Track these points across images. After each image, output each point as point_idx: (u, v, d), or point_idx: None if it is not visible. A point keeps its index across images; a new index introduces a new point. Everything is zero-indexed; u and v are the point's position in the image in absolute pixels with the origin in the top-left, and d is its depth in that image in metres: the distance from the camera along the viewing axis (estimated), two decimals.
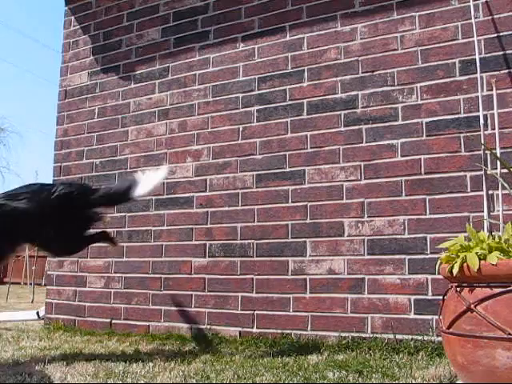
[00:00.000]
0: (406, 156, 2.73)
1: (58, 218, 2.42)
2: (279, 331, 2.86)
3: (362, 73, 2.91)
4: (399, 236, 2.68)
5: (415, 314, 2.58)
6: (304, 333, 2.80)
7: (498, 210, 2.36)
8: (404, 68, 2.81)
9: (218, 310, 3.07)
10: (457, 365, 1.68)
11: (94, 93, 3.80)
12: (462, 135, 2.62)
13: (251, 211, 3.07)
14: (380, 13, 2.91)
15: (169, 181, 3.37)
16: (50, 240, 2.47)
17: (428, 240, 2.61)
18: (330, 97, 2.97)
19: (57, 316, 3.63)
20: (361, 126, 2.86)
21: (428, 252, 2.59)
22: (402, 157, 2.74)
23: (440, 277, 2.05)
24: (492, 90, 2.49)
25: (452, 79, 2.69)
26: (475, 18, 2.62)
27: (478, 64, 2.53)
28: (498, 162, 2.30)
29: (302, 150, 2.99)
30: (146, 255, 3.37)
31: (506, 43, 2.59)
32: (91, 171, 3.69)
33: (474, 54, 2.58)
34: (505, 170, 2.27)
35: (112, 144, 3.64)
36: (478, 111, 2.51)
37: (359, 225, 2.78)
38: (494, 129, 2.46)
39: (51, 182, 3.93)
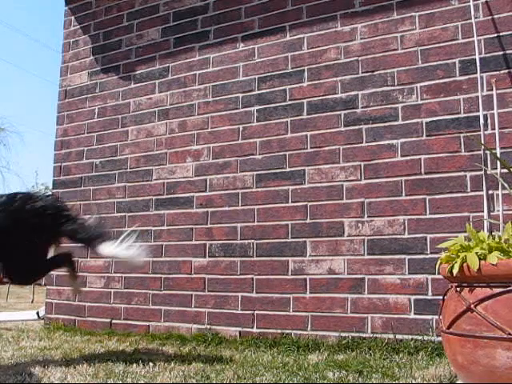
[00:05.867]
0: (406, 156, 2.73)
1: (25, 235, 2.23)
2: (279, 331, 2.86)
3: (362, 73, 2.91)
4: (399, 236, 2.68)
5: (415, 314, 2.58)
6: (304, 333, 2.80)
7: (498, 210, 2.36)
8: (404, 68, 2.81)
9: (218, 310, 3.07)
10: (457, 365, 1.68)
11: (94, 93, 3.80)
12: (462, 135, 2.62)
13: (251, 211, 3.07)
14: (380, 13, 2.91)
15: (169, 181, 3.37)
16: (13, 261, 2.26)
17: (428, 240, 2.61)
18: (329, 97, 2.97)
19: (57, 316, 3.63)
20: (361, 126, 2.86)
21: (428, 252, 2.59)
22: (402, 157, 2.74)
23: (440, 277, 2.05)
24: (492, 90, 2.49)
25: (452, 79, 2.69)
26: (475, 17, 2.62)
27: (478, 64, 2.53)
28: (498, 162, 2.30)
29: (301, 150, 2.99)
30: (145, 255, 3.36)
31: (506, 43, 2.59)
32: (91, 171, 3.69)
33: (474, 54, 2.58)
34: (505, 170, 2.27)
35: (112, 144, 3.64)
36: (478, 111, 2.51)
37: (359, 225, 2.78)
38: (493, 129, 2.46)
39: (51, 182, 3.94)
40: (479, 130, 2.48)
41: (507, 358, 1.48)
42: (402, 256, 2.65)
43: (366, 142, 2.83)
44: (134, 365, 2.22)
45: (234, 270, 3.06)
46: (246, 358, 2.43)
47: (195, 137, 3.34)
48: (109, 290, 3.46)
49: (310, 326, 2.80)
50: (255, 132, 3.15)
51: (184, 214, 3.29)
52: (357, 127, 2.87)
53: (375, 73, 2.88)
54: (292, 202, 2.97)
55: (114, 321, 3.40)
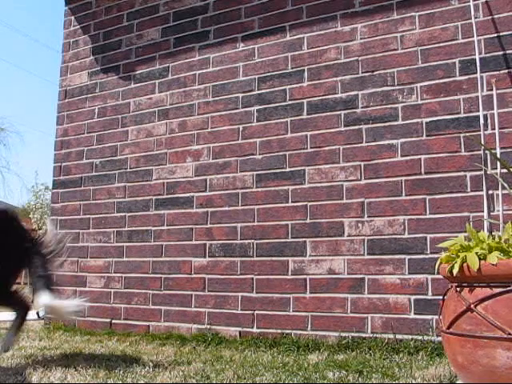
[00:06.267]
0: (406, 156, 2.73)
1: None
2: (279, 331, 2.86)
3: (362, 73, 2.91)
4: (399, 236, 2.68)
5: (415, 313, 2.58)
6: (304, 333, 2.80)
7: (498, 210, 2.36)
8: (404, 68, 2.81)
9: (218, 310, 3.07)
10: (457, 365, 1.67)
11: (94, 93, 3.80)
12: (461, 135, 2.62)
13: (251, 211, 3.07)
14: (380, 13, 2.91)
15: (169, 181, 3.37)
16: None
17: (428, 240, 2.61)
18: (329, 97, 2.97)
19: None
20: (361, 126, 2.86)
21: (428, 252, 2.59)
22: (402, 157, 2.74)
23: (440, 277, 2.05)
24: (492, 89, 2.49)
25: (452, 79, 2.69)
26: (475, 17, 2.62)
27: (478, 64, 2.53)
28: (498, 162, 2.30)
29: (301, 149, 2.99)
30: (146, 255, 3.37)
31: (506, 43, 2.59)
32: (91, 171, 3.69)
33: (474, 54, 2.58)
34: (505, 170, 2.27)
35: (112, 144, 3.64)
36: (478, 111, 2.51)
37: (359, 225, 2.78)
38: (493, 129, 2.46)
39: (51, 182, 3.94)
40: (479, 130, 2.48)
41: (507, 358, 1.48)
42: (402, 256, 2.65)
43: (366, 142, 2.83)
44: (134, 365, 2.22)
45: (234, 270, 3.06)
46: (246, 358, 2.43)
47: (195, 137, 3.34)
48: (109, 289, 3.46)
49: (310, 326, 2.80)
50: (255, 132, 3.15)
51: (184, 214, 3.29)
52: (357, 127, 2.87)
53: (375, 73, 2.88)
54: (292, 201, 2.97)
55: (114, 321, 3.40)
